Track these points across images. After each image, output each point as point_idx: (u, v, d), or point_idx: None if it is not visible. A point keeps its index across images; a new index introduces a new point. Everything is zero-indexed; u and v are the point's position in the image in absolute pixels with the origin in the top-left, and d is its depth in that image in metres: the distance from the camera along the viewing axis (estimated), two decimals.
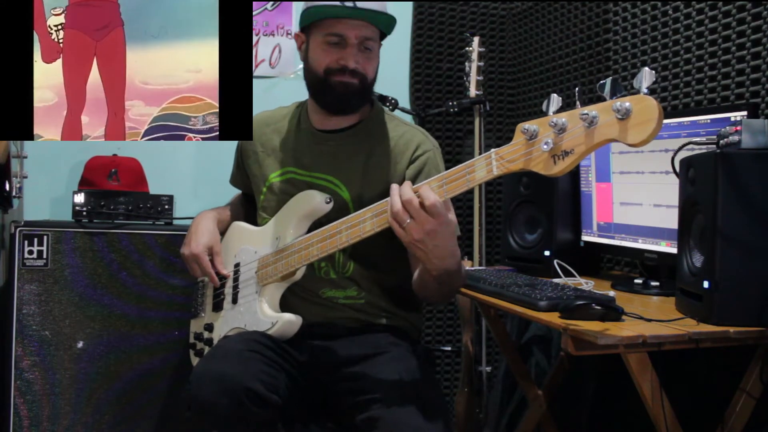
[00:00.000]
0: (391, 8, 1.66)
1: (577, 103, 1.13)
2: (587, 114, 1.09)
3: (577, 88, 1.17)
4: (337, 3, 1.57)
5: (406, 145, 1.68)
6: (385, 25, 1.65)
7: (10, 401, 2.10)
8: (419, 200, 1.28)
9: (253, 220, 1.81)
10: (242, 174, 1.88)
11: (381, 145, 1.69)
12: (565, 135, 1.12)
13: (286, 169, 1.74)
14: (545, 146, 1.14)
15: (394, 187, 1.33)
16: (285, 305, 1.65)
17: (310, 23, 1.64)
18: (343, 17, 1.58)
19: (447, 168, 1.73)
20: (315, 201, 1.60)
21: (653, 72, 1.06)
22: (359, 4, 1.57)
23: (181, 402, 1.47)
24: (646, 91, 1.05)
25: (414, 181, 1.62)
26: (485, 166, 1.24)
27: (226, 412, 1.39)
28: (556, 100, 1.17)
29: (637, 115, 1.04)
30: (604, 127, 1.08)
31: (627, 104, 1.04)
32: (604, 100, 1.09)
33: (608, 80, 1.09)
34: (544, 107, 1.18)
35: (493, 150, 1.24)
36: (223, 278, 1.77)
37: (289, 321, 1.59)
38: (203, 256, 1.74)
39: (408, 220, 1.27)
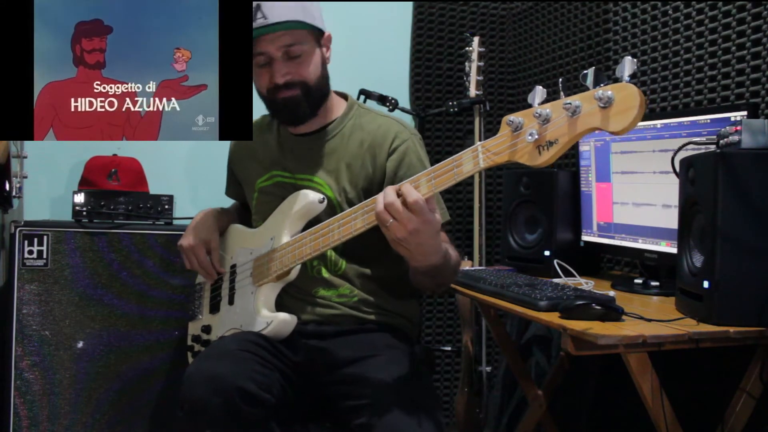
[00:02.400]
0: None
1: (561, 93, 1.14)
2: (570, 104, 1.09)
3: (560, 79, 1.17)
4: (256, 22, 1.57)
5: (384, 137, 1.68)
6: (305, 24, 1.61)
7: (9, 401, 2.10)
8: (402, 198, 1.30)
9: (250, 226, 1.81)
10: (235, 183, 1.91)
11: (358, 140, 1.69)
12: (549, 125, 1.13)
13: (272, 173, 1.76)
14: (530, 137, 1.14)
15: (387, 189, 1.34)
16: (279, 305, 1.65)
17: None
18: (259, 35, 1.57)
19: (430, 156, 1.75)
20: (308, 200, 1.61)
21: (635, 60, 1.07)
22: (271, 18, 1.56)
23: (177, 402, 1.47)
24: (627, 79, 1.05)
25: (397, 171, 1.64)
26: (472, 159, 1.24)
27: (219, 411, 1.38)
28: (540, 92, 1.18)
29: (619, 102, 1.05)
30: (586, 116, 1.09)
31: (609, 93, 1.05)
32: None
33: (591, 70, 1.10)
34: (529, 99, 1.19)
35: (479, 143, 1.24)
36: (219, 277, 1.77)
37: (284, 321, 1.59)
38: (201, 249, 1.75)
39: (390, 220, 1.30)
